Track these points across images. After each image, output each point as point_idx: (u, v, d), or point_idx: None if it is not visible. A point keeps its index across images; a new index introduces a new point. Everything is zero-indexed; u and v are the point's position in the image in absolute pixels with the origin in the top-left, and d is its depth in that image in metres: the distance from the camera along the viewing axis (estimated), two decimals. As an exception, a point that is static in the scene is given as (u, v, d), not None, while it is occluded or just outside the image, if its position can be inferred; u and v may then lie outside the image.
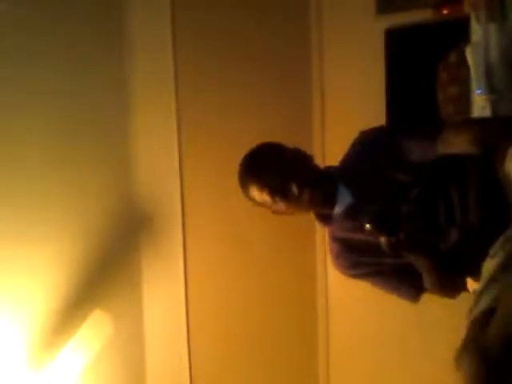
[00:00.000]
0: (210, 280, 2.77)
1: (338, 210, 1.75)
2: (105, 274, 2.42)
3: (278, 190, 1.64)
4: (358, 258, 1.78)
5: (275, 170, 1.66)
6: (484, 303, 1.17)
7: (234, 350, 2.87)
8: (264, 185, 1.66)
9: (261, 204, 1.72)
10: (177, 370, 2.69)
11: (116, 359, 2.48)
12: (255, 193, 1.68)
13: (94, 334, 2.32)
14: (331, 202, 1.74)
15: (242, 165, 1.73)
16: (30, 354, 2.22)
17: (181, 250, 2.66)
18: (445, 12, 2.62)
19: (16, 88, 2.22)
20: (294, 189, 1.64)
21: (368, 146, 1.78)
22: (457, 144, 1.67)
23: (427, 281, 1.72)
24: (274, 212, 1.76)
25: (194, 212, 2.70)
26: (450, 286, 1.78)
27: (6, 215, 2.16)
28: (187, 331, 2.69)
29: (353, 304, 3.05)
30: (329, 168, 1.87)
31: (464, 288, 1.79)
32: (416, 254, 1.60)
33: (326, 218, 1.81)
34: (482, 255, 1.56)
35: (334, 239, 1.83)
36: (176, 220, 2.65)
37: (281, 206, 1.68)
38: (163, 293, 2.63)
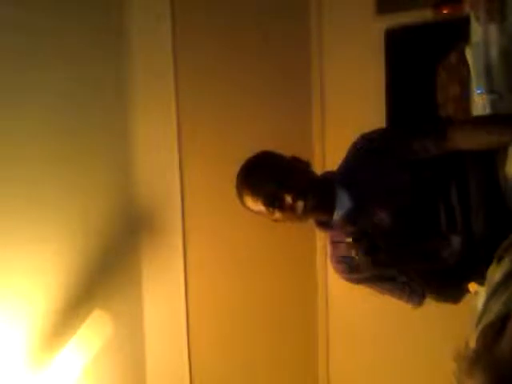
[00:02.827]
0: (210, 280, 2.77)
1: (337, 215, 1.73)
2: (105, 274, 2.41)
3: (273, 201, 1.63)
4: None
5: (269, 180, 1.65)
6: (493, 311, 1.15)
7: (234, 349, 2.87)
8: (258, 196, 1.65)
9: (258, 214, 1.72)
10: (177, 369, 2.69)
11: (116, 359, 2.48)
12: (251, 203, 1.68)
13: (93, 333, 2.32)
14: (330, 208, 1.73)
15: (238, 176, 1.73)
16: (30, 355, 2.22)
17: (181, 249, 2.66)
18: (445, 12, 2.62)
19: (16, 88, 2.22)
20: (288, 199, 1.63)
21: (368, 149, 1.78)
22: (469, 140, 1.65)
23: (426, 289, 1.72)
24: (274, 220, 1.75)
25: (194, 212, 2.70)
26: (449, 294, 1.77)
27: (5, 215, 2.16)
28: (187, 331, 2.69)
29: (353, 304, 3.05)
30: (327, 173, 1.86)
31: (466, 291, 1.79)
32: (400, 269, 1.60)
33: (325, 224, 1.80)
34: (486, 259, 1.57)
35: (334, 243, 1.82)
36: (176, 220, 2.65)
37: (277, 215, 1.68)
38: (163, 292, 2.63)
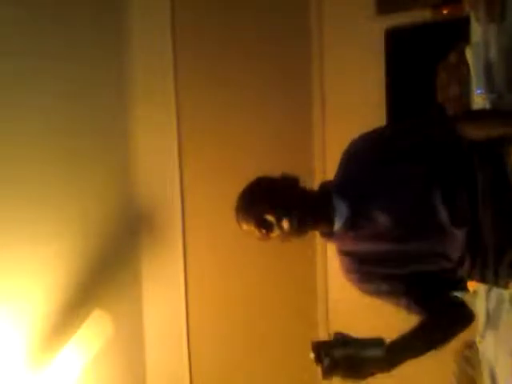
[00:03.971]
0: (209, 280, 2.77)
1: (337, 225, 1.73)
2: (105, 274, 2.42)
3: (261, 224, 1.65)
4: (369, 269, 1.76)
5: (255, 205, 1.67)
6: None
7: (234, 349, 2.87)
8: (250, 222, 1.67)
9: (260, 239, 1.72)
10: (177, 369, 2.69)
11: (116, 359, 2.48)
12: (248, 230, 1.69)
13: (93, 333, 2.32)
14: (328, 219, 1.72)
15: (235, 206, 1.74)
16: (30, 355, 2.22)
17: (181, 250, 2.66)
18: (445, 12, 2.62)
19: (16, 89, 2.22)
20: (272, 219, 1.64)
21: (360, 154, 1.76)
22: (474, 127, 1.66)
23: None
24: (283, 241, 1.74)
25: (194, 212, 2.70)
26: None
27: (6, 215, 2.16)
28: (187, 331, 2.69)
29: (353, 309, 3.04)
30: (324, 183, 1.83)
31: (465, 290, 1.79)
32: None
33: (329, 235, 1.79)
34: (495, 258, 1.57)
35: (342, 253, 1.80)
36: (176, 220, 2.65)
37: (275, 236, 1.68)
38: (163, 293, 2.63)
